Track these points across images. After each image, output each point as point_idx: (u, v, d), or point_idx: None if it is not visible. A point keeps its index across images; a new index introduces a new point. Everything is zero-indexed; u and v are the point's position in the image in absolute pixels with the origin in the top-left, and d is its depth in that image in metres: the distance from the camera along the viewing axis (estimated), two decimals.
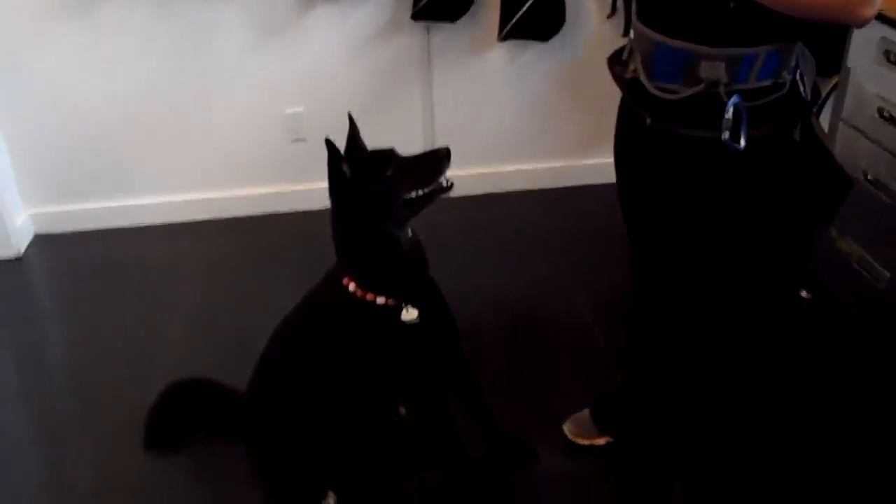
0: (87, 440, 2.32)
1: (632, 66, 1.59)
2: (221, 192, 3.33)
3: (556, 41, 3.14)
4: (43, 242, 3.27)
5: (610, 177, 3.54)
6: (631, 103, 1.63)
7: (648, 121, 1.57)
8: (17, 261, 3.17)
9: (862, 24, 1.38)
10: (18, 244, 3.18)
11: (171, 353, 2.58)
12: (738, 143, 1.43)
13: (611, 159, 3.65)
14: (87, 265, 3.14)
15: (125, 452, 2.18)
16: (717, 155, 1.48)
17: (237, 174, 3.31)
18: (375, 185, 1.68)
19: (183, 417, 2.20)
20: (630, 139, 1.71)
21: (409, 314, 1.76)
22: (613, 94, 3.63)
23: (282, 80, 3.15)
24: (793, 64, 1.47)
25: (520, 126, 3.36)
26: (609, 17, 3.15)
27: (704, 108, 1.46)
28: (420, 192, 1.72)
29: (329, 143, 1.63)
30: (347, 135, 1.77)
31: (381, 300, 1.75)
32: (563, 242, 3.11)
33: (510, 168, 3.42)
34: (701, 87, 1.45)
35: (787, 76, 1.47)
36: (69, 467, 2.25)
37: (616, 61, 1.68)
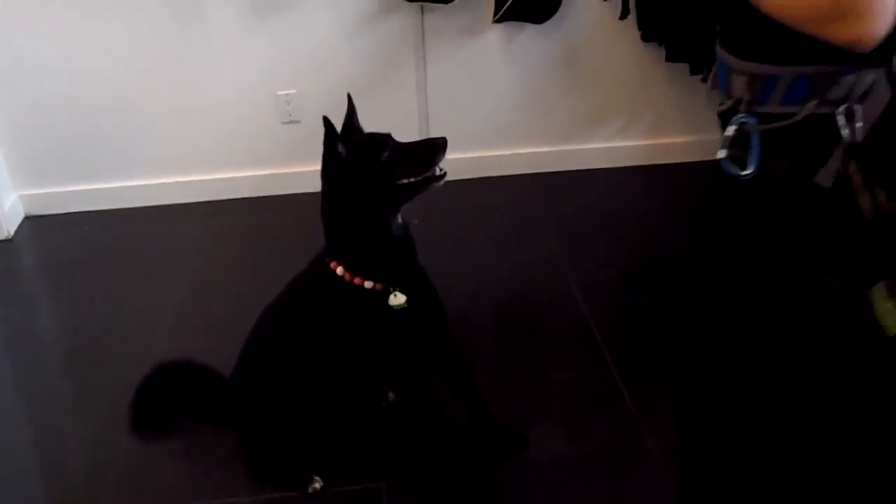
0: (78, 422, 2.31)
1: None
2: (213, 174, 3.30)
3: (551, 23, 3.09)
4: (33, 224, 3.25)
5: (604, 161, 3.54)
6: None
7: None
8: (7, 242, 3.14)
9: (855, 46, 1.15)
10: (8, 226, 3.15)
11: (163, 336, 2.56)
12: (745, 169, 1.30)
13: (605, 143, 3.64)
14: (77, 247, 3.12)
15: (115, 434, 2.16)
16: (733, 180, 1.35)
17: (229, 156, 3.28)
18: (369, 168, 1.67)
19: (170, 400, 2.18)
20: None
21: (397, 299, 1.75)
22: (608, 78, 3.61)
23: (274, 62, 3.12)
24: (838, 95, 1.25)
25: (514, 109, 3.32)
26: None
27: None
28: (413, 180, 1.71)
29: (326, 121, 1.62)
30: (345, 116, 1.76)
31: (368, 284, 1.74)
32: (557, 228, 3.09)
33: (505, 152, 3.38)
34: (730, 102, 1.34)
35: (813, 106, 1.26)
36: (59, 448, 2.24)
37: None
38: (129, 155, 3.25)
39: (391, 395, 2.21)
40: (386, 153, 1.69)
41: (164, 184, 3.29)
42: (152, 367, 2.15)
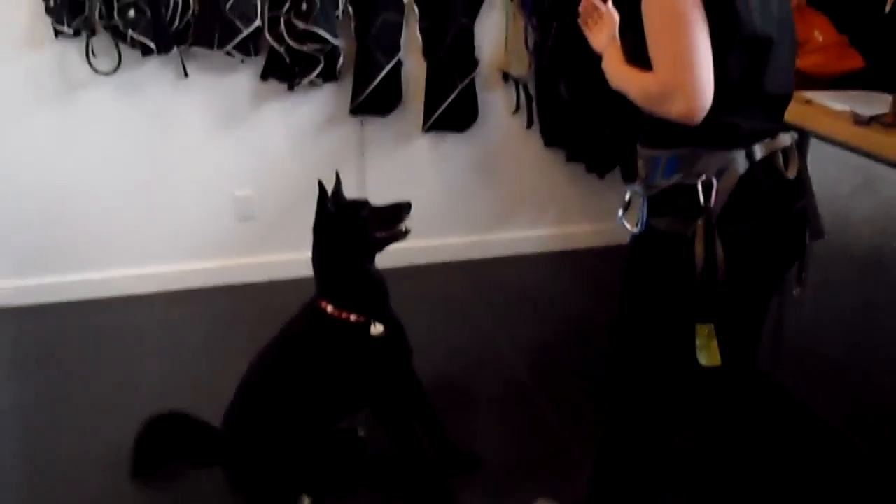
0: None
1: None
2: (174, 265, 3.56)
3: (470, 132, 3.66)
4: None
5: (519, 248, 3.97)
6: None
7: None
8: None
9: (687, 119, 1.48)
10: None
11: (129, 425, 2.42)
12: (636, 226, 1.67)
13: (519, 233, 4.06)
14: (43, 339, 3.18)
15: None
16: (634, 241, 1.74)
17: (189, 249, 3.55)
18: (351, 222, 2.12)
19: (164, 447, 2.40)
20: None
21: (376, 329, 2.16)
22: (517, 176, 4.12)
23: (235, 165, 3.50)
24: (700, 170, 1.56)
25: (442, 204, 3.81)
26: (514, 112, 3.73)
27: None
28: (385, 233, 2.17)
29: (320, 184, 2.07)
30: (333, 187, 2.20)
31: (353, 317, 2.15)
32: (487, 308, 3.44)
33: (434, 242, 3.81)
34: (639, 181, 1.71)
35: (679, 178, 1.58)
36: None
37: None
38: (94, 248, 3.44)
39: (361, 433, 2.55)
40: (364, 211, 2.16)
41: (128, 275, 3.50)
42: (147, 418, 2.37)
